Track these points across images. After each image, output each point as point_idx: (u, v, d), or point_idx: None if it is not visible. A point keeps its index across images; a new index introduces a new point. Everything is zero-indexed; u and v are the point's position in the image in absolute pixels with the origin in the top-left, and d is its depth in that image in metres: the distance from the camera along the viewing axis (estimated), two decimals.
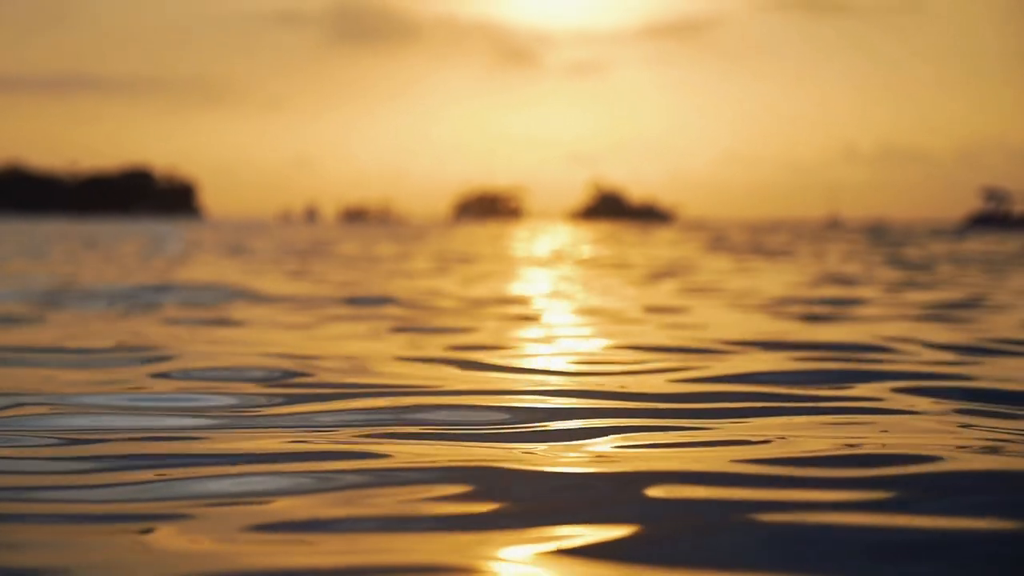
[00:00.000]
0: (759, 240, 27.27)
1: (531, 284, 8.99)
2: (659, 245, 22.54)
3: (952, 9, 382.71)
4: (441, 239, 27.81)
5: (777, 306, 6.64)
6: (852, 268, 12.12)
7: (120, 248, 17.92)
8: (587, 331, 5.03)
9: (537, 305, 6.64)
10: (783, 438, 2.49)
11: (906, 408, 2.92)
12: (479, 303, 6.70)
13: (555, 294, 7.69)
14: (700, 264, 13.13)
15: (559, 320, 5.66)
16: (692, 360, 3.93)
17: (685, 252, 17.93)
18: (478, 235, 34.84)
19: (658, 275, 8.56)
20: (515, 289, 8.28)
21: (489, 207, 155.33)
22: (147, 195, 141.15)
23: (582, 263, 13.56)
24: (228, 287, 8.11)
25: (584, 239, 29.29)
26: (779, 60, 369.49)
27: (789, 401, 3.05)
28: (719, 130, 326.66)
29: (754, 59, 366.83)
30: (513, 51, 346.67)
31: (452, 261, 13.76)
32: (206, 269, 10.99)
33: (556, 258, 15.25)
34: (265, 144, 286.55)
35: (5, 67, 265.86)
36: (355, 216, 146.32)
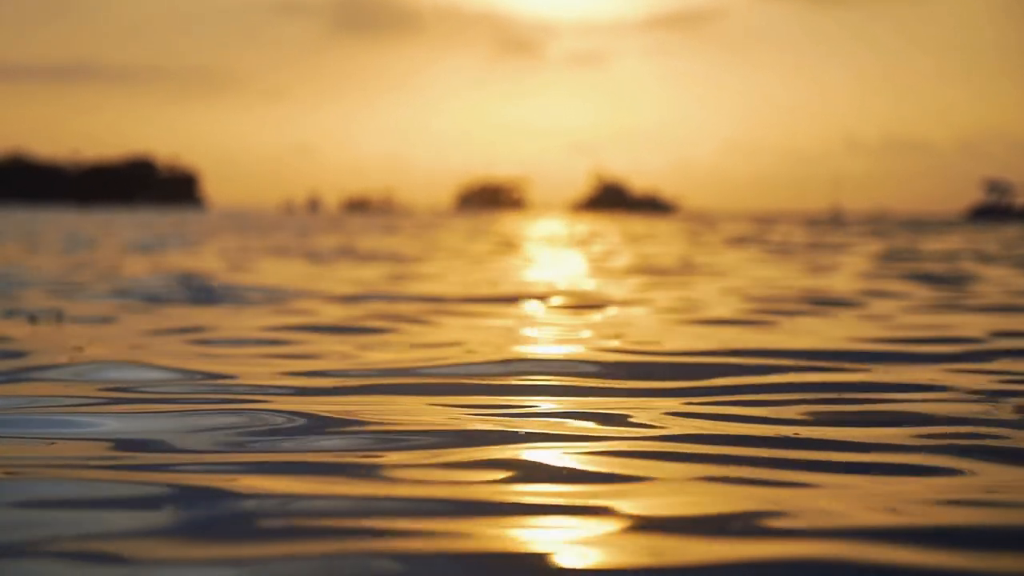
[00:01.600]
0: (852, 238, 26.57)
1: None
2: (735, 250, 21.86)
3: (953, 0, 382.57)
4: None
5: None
6: None
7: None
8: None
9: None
10: None
11: None
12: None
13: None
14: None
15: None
16: None
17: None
18: (538, 231, 34.11)
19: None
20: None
21: (491, 198, 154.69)
22: (149, 185, 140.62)
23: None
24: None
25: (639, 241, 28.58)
26: (780, 51, 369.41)
27: None
28: (720, 120, 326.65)
29: (755, 50, 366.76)
30: (515, 41, 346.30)
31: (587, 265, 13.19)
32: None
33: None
34: (267, 134, 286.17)
35: (7, 56, 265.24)
36: (357, 206, 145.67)
